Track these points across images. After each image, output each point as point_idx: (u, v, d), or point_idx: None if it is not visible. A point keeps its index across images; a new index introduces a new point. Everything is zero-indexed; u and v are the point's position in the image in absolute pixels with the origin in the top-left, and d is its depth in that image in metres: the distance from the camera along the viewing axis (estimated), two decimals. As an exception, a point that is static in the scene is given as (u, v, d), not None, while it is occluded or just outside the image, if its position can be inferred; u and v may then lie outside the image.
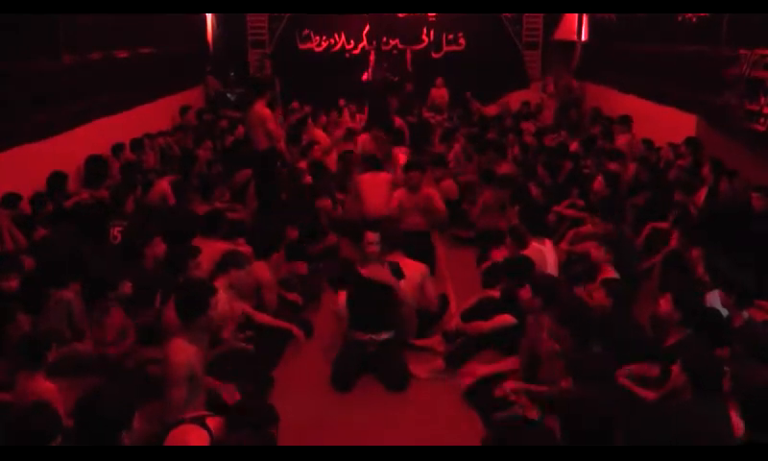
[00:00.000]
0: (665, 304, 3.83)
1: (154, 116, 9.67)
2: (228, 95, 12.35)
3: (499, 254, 5.44)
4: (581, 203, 6.69)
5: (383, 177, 6.98)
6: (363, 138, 9.27)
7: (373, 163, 7.20)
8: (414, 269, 4.92)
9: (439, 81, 12.91)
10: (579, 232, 5.99)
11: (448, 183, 7.62)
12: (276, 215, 6.32)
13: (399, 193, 6.50)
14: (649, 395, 3.50)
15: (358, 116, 11.83)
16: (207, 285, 3.64)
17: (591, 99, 12.18)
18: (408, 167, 6.56)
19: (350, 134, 9.78)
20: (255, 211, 6.89)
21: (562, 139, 9.40)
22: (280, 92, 11.89)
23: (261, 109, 6.88)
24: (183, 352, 3.38)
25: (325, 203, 6.62)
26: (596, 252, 4.83)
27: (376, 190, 6.72)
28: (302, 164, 7.97)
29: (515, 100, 12.49)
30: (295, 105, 11.13)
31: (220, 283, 4.29)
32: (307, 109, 10.81)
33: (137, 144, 8.42)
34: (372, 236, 4.61)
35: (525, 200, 6.18)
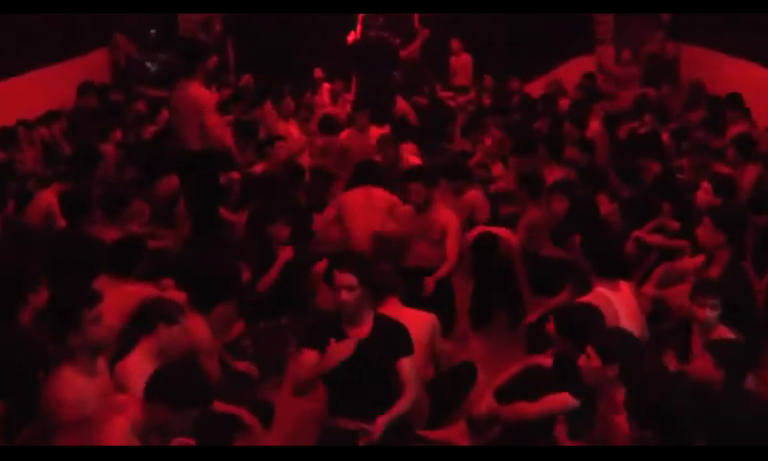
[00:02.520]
0: None
1: (33, 94, 9.64)
2: (148, 64, 12.48)
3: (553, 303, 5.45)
4: (674, 224, 6.60)
5: (380, 196, 7.03)
6: (348, 134, 9.35)
7: (367, 173, 7.23)
8: (418, 323, 4.90)
9: (456, 44, 13.09)
10: (672, 269, 5.90)
11: (474, 196, 7.56)
12: (219, 246, 6.33)
13: (402, 213, 6.59)
14: None
15: (344, 96, 11.82)
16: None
17: (689, 68, 12.16)
18: (409, 176, 6.58)
19: (331, 125, 9.76)
20: (188, 239, 6.90)
21: (646, 130, 9.30)
22: (235, 63, 12.14)
23: (197, 90, 6.89)
24: (70, 388, 3.64)
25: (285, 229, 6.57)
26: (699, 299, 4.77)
27: (370, 215, 6.80)
28: (259, 168, 7.98)
29: (573, 73, 12.45)
30: (247, 79, 11.15)
31: (144, 349, 4.35)
32: (246, 79, 10.89)
33: (8, 136, 8.40)
34: (344, 279, 4.56)
35: (588, 221, 6.11)
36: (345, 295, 4.51)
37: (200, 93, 6.89)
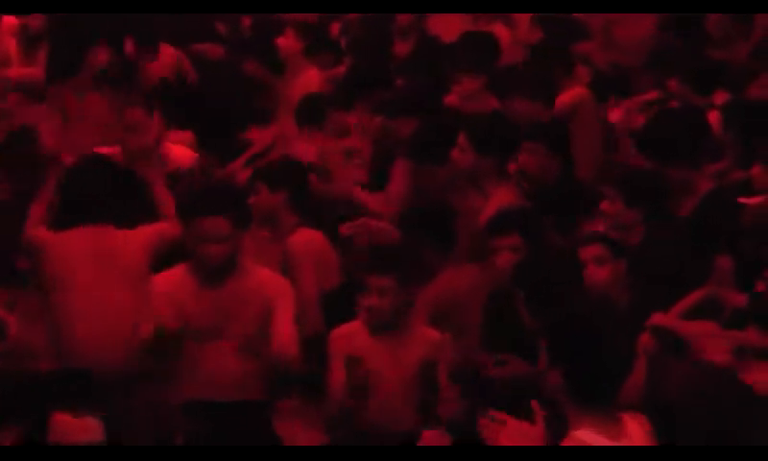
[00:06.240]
0: None
1: None
2: None
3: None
4: (738, 299, 5.69)
5: (119, 237, 5.78)
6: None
7: (90, 188, 5.82)
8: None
9: None
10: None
11: (323, 246, 6.40)
12: None
13: (172, 280, 5.38)
14: None
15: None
16: None
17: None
18: (199, 201, 5.46)
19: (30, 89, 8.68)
20: None
21: (675, 105, 8.23)
22: None
23: None
24: None
25: None
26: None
27: (106, 286, 5.65)
28: None
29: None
30: None
31: None
32: None
33: None
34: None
35: (561, 290, 5.26)
36: None
37: None
